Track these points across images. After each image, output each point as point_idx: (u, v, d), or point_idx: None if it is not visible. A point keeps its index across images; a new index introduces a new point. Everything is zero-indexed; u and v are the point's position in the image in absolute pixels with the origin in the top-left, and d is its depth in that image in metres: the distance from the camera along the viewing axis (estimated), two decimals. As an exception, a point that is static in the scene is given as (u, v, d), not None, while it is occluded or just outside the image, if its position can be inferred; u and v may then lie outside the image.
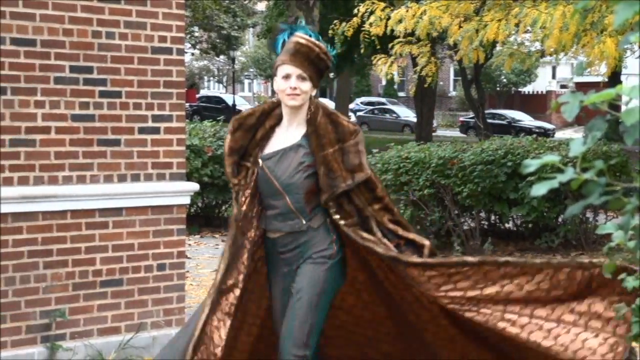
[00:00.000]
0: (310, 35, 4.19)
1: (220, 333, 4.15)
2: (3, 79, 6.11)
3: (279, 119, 4.31)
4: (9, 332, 6.19)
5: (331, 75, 41.94)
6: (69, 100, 6.42)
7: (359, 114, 49.73)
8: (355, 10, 13.36)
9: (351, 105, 48.54)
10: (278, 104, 4.31)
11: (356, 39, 13.95)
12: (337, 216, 4.19)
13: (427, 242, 4.24)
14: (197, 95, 48.62)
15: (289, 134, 4.25)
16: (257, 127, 4.28)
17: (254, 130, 4.28)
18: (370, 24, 12.80)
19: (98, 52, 6.53)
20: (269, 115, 4.30)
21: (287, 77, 4.16)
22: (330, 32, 14.39)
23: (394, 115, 48.77)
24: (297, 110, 4.22)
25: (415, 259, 4.13)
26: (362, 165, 4.19)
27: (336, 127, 4.18)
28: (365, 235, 4.19)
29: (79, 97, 6.47)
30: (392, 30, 12.48)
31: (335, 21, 14.37)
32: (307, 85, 4.17)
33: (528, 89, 56.03)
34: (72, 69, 6.42)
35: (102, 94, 6.58)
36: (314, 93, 4.20)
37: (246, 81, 67.34)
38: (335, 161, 4.14)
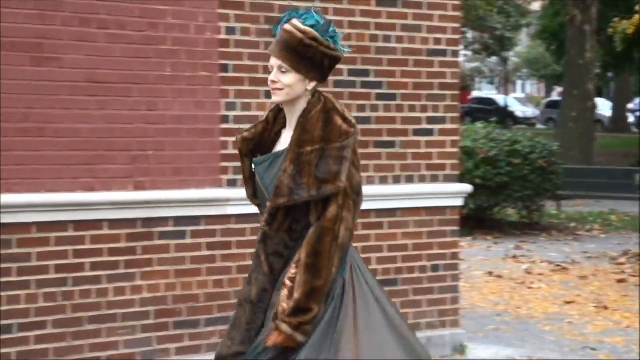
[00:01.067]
0: (311, 20, 3.57)
1: None
2: (285, 84, 6.34)
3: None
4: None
5: (609, 74, 40.05)
6: (347, 103, 6.58)
7: (638, 114, 47.68)
8: (637, 7, 12.82)
9: (630, 105, 46.62)
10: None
11: (638, 36, 13.38)
12: (267, 228, 3.56)
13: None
14: (469, 97, 48.53)
15: (288, 136, 3.67)
16: (268, 140, 3.74)
17: (265, 146, 3.75)
18: (653, 21, 12.25)
19: (375, 56, 6.65)
20: (275, 122, 3.74)
21: (271, 69, 3.61)
22: (609, 30, 13.90)
23: (677, 115, 46.36)
24: (290, 108, 3.62)
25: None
26: (338, 176, 3.46)
27: (326, 125, 3.53)
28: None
29: (356, 100, 6.62)
30: (677, 26, 11.88)
31: (614, 19, 13.86)
32: (289, 78, 3.55)
33: None
34: (350, 73, 6.58)
35: (378, 97, 6.70)
36: (309, 87, 3.57)
37: (519, 82, 66.40)
38: (309, 164, 3.48)
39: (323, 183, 3.46)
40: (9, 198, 5.54)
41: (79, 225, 5.75)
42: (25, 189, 5.61)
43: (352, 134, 3.54)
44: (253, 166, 3.71)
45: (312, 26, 3.55)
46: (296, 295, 3.45)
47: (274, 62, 3.57)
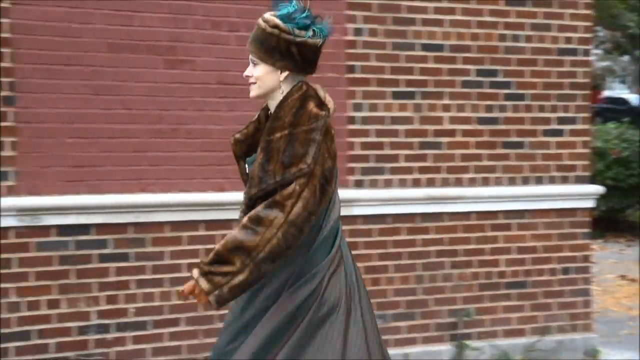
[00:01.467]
0: (284, 9, 3.46)
1: None
2: (412, 84, 6.34)
3: None
4: (419, 329, 6.41)
5: None
6: (475, 104, 6.53)
7: None
8: None
9: None
10: None
11: None
12: None
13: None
14: (601, 97, 47.40)
15: None
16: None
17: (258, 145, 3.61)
18: None
19: (503, 55, 6.58)
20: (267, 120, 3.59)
21: None
22: None
23: None
24: (271, 102, 3.52)
25: None
26: (303, 157, 3.31)
27: (298, 111, 3.40)
28: None
29: (484, 100, 6.56)
30: None
31: None
32: (258, 70, 3.46)
33: None
34: (478, 73, 6.52)
35: (507, 97, 6.62)
36: (282, 77, 3.45)
37: (652, 81, 64.49)
38: (277, 150, 3.34)
39: (287, 167, 3.32)
40: (144, 197, 5.70)
41: (210, 224, 5.87)
42: (159, 188, 5.76)
43: (322, 117, 3.40)
44: (247, 167, 3.61)
45: (280, 15, 3.44)
46: (218, 245, 3.32)
47: (250, 56, 3.50)
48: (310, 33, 3.43)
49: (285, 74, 3.45)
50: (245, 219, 3.32)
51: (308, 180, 3.32)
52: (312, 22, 3.45)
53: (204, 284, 3.31)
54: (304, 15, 3.44)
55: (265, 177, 3.34)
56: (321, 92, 3.51)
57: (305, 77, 3.50)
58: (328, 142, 3.43)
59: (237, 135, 3.63)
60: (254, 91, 3.50)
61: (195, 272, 3.34)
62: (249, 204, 3.44)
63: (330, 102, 3.50)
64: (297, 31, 3.40)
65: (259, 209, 3.31)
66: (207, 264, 3.32)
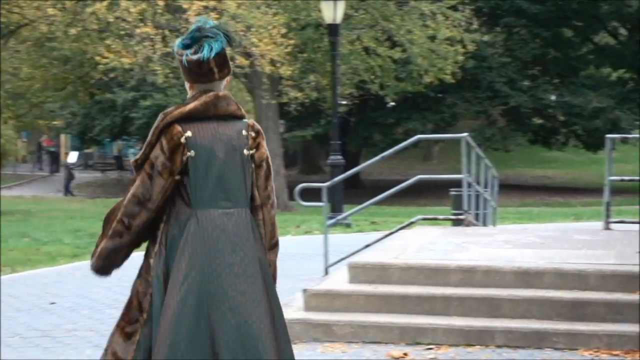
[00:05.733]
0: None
1: None
2: None
3: None
4: None
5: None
6: None
7: None
8: None
9: None
10: None
11: None
12: None
13: None
14: None
15: None
16: None
17: None
18: None
19: None
20: None
21: None
22: None
23: None
24: None
25: None
26: (140, 154, 4.20)
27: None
28: None
29: None
30: None
31: None
32: None
33: None
34: None
35: None
36: (187, 87, 4.27)
37: None
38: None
39: (133, 161, 4.19)
40: None
41: None
42: None
43: (158, 120, 4.07)
44: None
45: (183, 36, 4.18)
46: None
47: None
48: (190, 51, 4.09)
49: (188, 84, 4.22)
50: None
51: (138, 174, 4.11)
52: (196, 40, 4.10)
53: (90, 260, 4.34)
54: (188, 35, 4.12)
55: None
56: (203, 98, 4.12)
57: (211, 84, 4.16)
58: (164, 140, 4.09)
59: None
60: None
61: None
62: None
63: (190, 105, 4.12)
64: (178, 49, 4.13)
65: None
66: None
